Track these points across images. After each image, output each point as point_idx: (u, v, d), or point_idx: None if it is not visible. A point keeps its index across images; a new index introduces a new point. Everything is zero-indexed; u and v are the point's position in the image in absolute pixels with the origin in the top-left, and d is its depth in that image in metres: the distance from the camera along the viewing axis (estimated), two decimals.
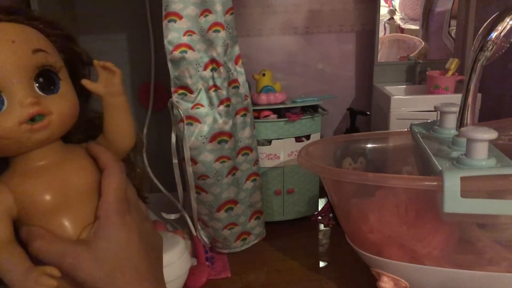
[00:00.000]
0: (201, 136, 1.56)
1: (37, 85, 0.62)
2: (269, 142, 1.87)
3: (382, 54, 2.23)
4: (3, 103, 0.58)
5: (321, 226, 1.98)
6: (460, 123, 1.20)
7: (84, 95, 0.84)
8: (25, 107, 0.59)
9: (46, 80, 0.63)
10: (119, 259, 0.44)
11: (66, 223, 0.74)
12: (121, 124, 0.82)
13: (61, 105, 0.69)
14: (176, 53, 1.50)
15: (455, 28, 2.20)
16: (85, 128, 0.85)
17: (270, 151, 1.87)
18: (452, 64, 1.99)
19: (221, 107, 1.56)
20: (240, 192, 1.67)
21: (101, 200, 0.49)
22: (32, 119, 0.61)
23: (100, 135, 0.85)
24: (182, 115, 1.54)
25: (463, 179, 0.98)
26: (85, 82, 0.74)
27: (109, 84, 0.75)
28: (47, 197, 0.72)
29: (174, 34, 1.49)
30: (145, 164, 1.81)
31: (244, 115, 1.65)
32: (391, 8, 2.27)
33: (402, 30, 2.31)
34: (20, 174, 0.70)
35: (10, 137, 0.61)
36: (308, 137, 1.91)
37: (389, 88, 2.06)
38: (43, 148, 0.71)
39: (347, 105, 2.22)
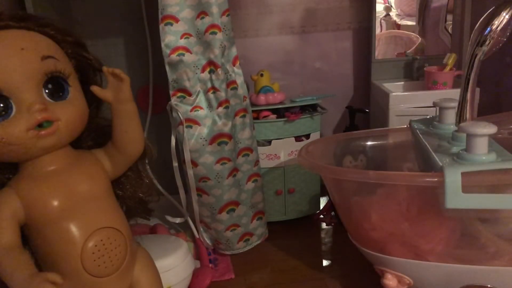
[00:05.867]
0: (200, 138, 1.56)
1: (46, 91, 0.62)
2: (269, 142, 1.87)
3: (379, 51, 2.23)
4: (11, 110, 0.58)
5: (323, 225, 1.98)
6: (460, 118, 1.20)
7: (95, 102, 0.84)
8: (32, 113, 0.59)
9: (55, 86, 0.63)
10: None
11: (73, 229, 0.74)
12: (129, 131, 0.82)
13: (70, 112, 0.69)
14: (174, 56, 1.50)
15: (451, 23, 2.21)
16: (96, 135, 0.85)
17: (270, 151, 1.87)
18: (450, 59, 1.99)
19: (220, 109, 1.56)
20: (241, 193, 1.67)
21: None
22: (40, 125, 0.61)
23: (109, 142, 0.85)
24: (181, 117, 1.54)
25: (464, 174, 0.98)
26: (94, 88, 0.74)
27: (118, 90, 0.74)
28: (55, 203, 0.72)
29: (171, 37, 1.49)
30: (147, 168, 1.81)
31: (244, 116, 1.65)
32: (387, 4, 2.27)
33: (398, 27, 2.31)
34: (29, 179, 0.70)
35: (18, 143, 0.60)
36: (307, 136, 1.91)
37: (388, 85, 2.06)
38: (52, 154, 0.71)
39: (345, 103, 2.23)
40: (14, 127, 0.57)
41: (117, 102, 0.75)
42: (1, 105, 0.57)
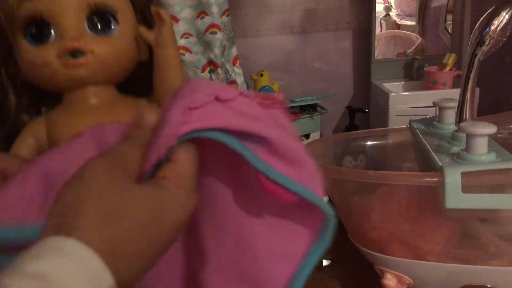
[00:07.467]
0: None
1: (88, 23, 0.61)
2: None
3: (379, 51, 2.23)
4: (50, 36, 0.59)
5: None
6: (459, 118, 1.20)
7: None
8: (65, 40, 0.59)
9: (101, 20, 0.62)
10: None
11: None
12: (166, 80, 0.77)
13: (106, 48, 0.66)
14: None
15: (451, 23, 2.21)
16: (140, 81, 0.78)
17: None
18: (450, 59, 2.00)
19: None
20: None
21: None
22: (74, 55, 0.60)
23: (151, 96, 0.80)
24: None
25: (463, 174, 0.98)
26: (140, 29, 0.72)
27: (158, 32, 0.71)
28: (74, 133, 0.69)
29: None
30: None
31: None
32: (387, 4, 2.28)
33: (398, 26, 2.31)
34: (63, 109, 0.69)
35: (46, 67, 0.60)
36: (307, 136, 1.91)
37: (387, 85, 2.06)
38: (89, 89, 0.68)
39: (345, 103, 2.23)
40: (47, 51, 0.59)
41: (156, 46, 0.71)
42: (40, 30, 0.59)
